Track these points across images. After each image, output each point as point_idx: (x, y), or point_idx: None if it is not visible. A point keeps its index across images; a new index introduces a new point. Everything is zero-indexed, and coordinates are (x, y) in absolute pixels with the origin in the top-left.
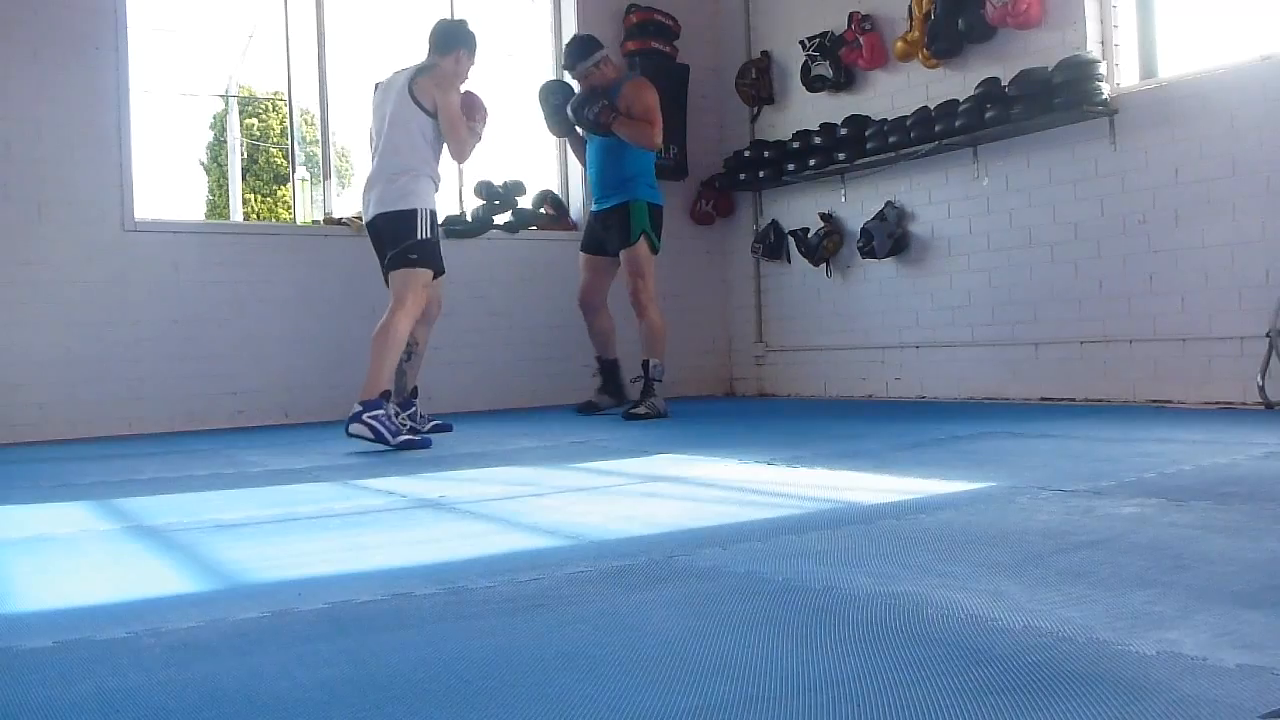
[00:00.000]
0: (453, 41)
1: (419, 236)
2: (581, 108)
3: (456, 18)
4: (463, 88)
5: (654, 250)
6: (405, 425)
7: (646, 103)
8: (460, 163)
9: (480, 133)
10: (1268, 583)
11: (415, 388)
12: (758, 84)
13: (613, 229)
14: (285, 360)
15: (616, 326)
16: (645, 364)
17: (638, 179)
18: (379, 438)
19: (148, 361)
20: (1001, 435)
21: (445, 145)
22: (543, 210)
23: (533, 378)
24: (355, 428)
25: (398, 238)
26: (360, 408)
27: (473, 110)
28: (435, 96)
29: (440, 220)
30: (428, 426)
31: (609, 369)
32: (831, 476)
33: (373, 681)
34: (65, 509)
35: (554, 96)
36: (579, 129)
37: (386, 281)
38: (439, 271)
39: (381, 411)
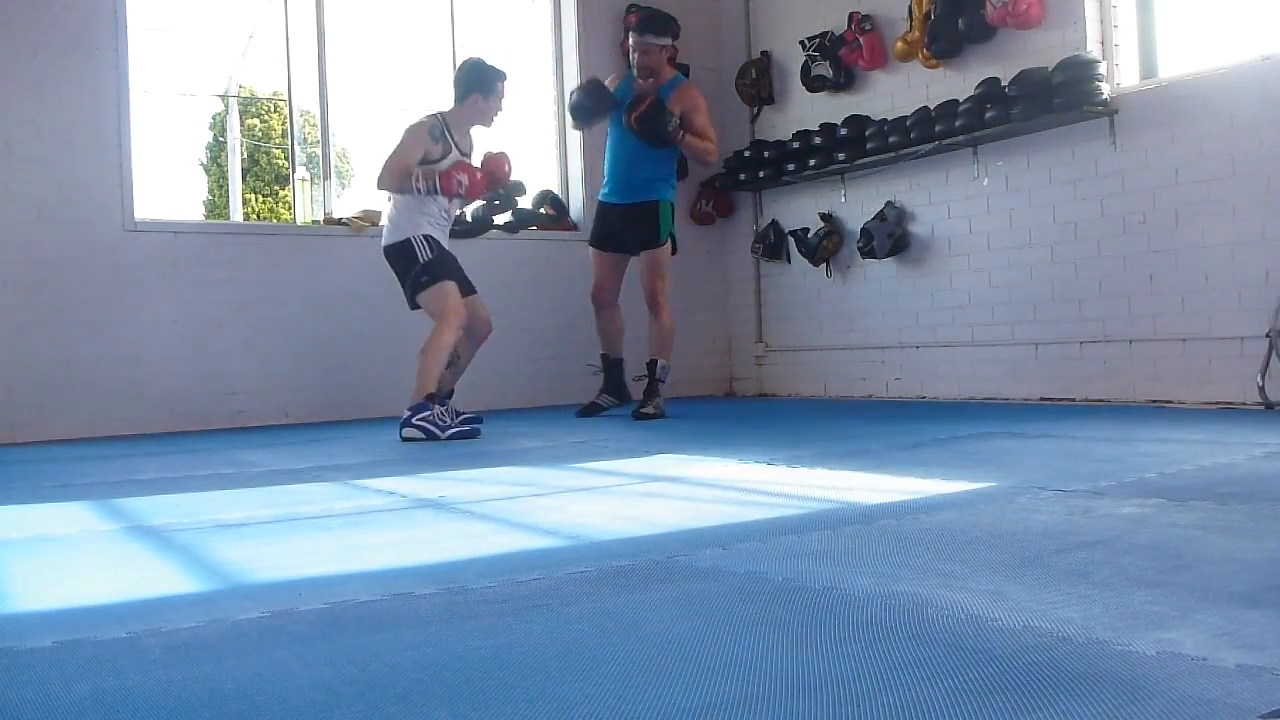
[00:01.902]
0: (466, 87)
1: (421, 259)
2: (654, 120)
3: (475, 57)
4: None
5: (675, 251)
6: (454, 419)
7: (705, 115)
8: (377, 186)
9: (420, 185)
10: (1268, 583)
11: (451, 391)
12: (758, 84)
13: (637, 226)
14: (285, 360)
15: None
16: (652, 364)
17: (668, 179)
18: (430, 435)
19: (148, 361)
20: (1001, 435)
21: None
22: (543, 210)
23: (533, 378)
24: (407, 431)
25: (406, 269)
26: (409, 412)
27: (447, 175)
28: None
29: None
30: (459, 419)
31: (614, 368)
32: (831, 476)
33: (373, 681)
34: (65, 509)
35: (592, 99)
36: (634, 130)
37: (411, 306)
38: (464, 286)
39: (428, 413)
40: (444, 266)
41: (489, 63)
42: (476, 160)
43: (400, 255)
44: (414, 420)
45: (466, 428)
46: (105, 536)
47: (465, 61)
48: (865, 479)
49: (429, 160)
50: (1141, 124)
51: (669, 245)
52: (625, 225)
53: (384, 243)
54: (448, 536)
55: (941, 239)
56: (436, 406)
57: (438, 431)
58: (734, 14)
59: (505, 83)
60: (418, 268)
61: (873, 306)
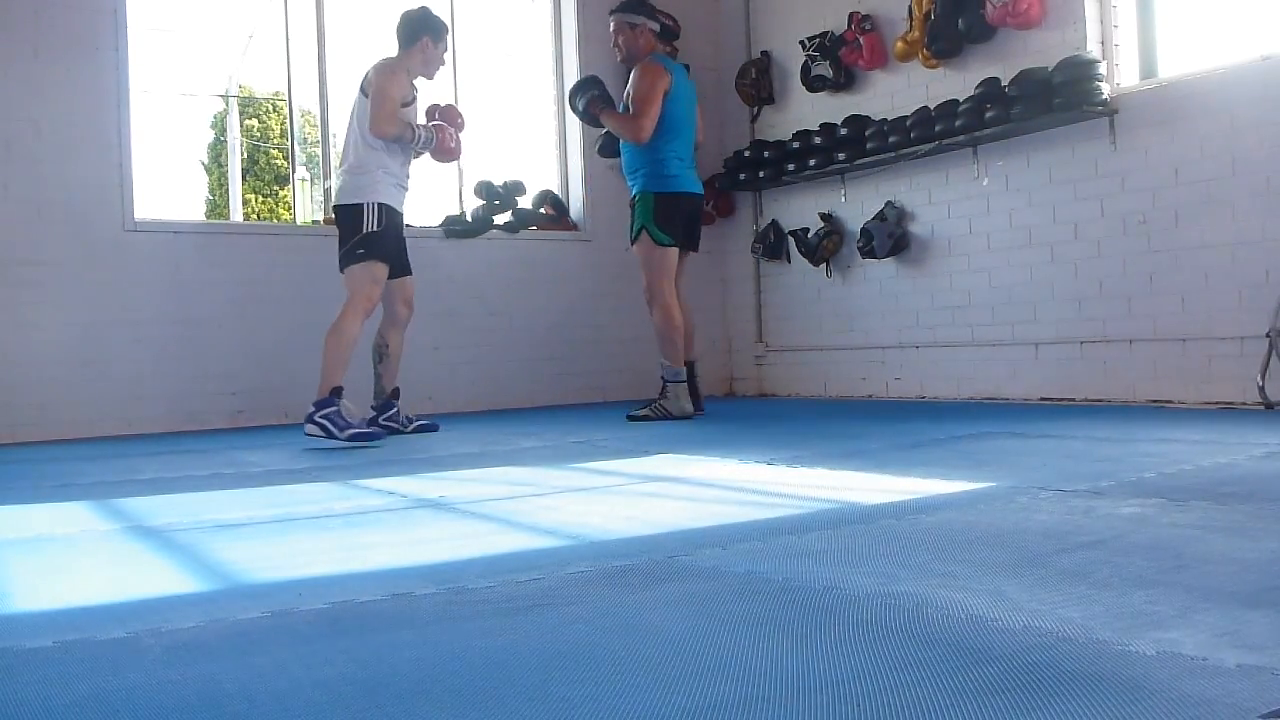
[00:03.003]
0: (415, 30)
1: (365, 230)
2: (574, 96)
3: (419, 6)
4: (443, 101)
5: (663, 243)
6: (356, 419)
7: (640, 89)
8: (373, 134)
9: (419, 132)
10: (1268, 583)
11: (396, 389)
12: (758, 84)
13: (631, 222)
14: (285, 360)
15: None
16: (661, 364)
17: (644, 169)
18: (328, 434)
19: (148, 361)
20: (1001, 435)
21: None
22: (543, 210)
23: (533, 378)
24: (309, 427)
25: (348, 233)
26: (313, 408)
27: (444, 116)
28: (374, 81)
29: (440, 220)
30: (411, 427)
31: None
32: (831, 476)
33: (373, 681)
34: (65, 509)
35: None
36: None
37: (340, 270)
38: (400, 269)
39: (332, 409)
40: (383, 245)
41: (434, 13)
42: (420, 115)
43: (348, 218)
44: (316, 416)
45: (369, 430)
46: (105, 536)
47: (409, 10)
48: (865, 479)
49: (403, 104)
50: (1141, 124)
51: (646, 240)
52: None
53: (337, 201)
54: (448, 536)
55: (941, 239)
56: (342, 401)
57: (336, 431)
58: (734, 14)
59: (448, 38)
60: (358, 237)
61: (873, 306)
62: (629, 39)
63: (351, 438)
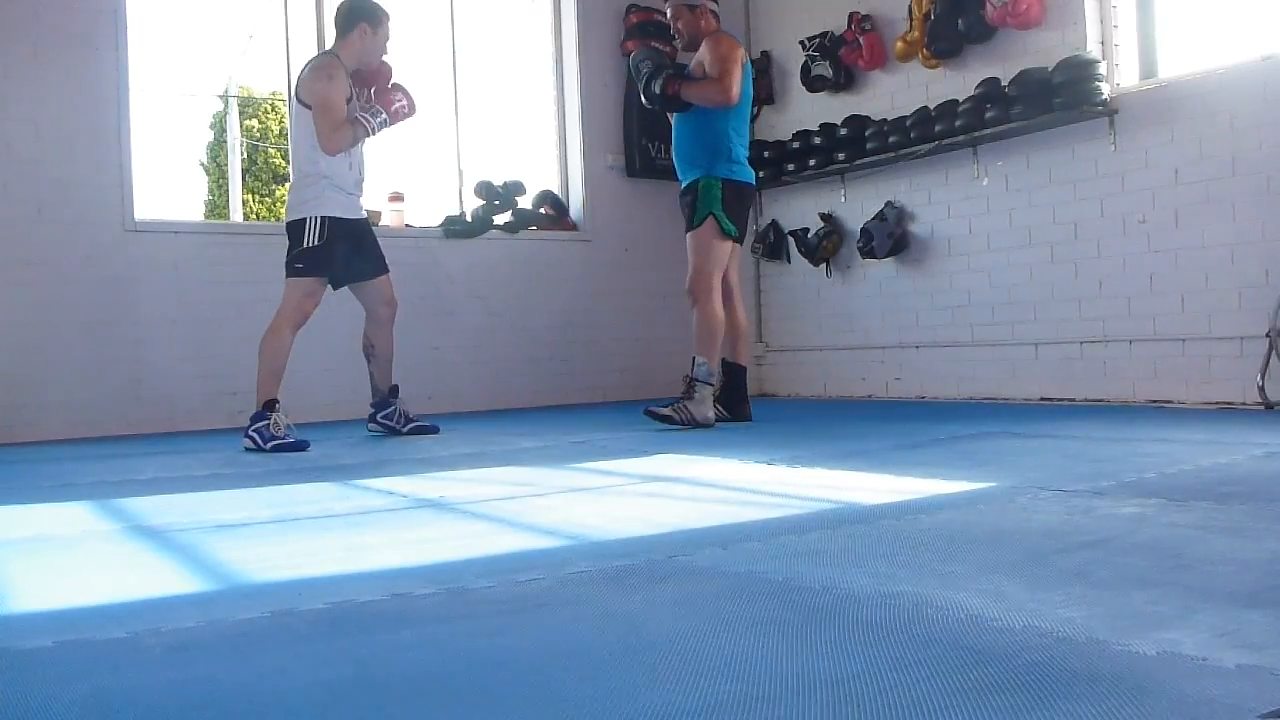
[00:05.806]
0: (352, 18)
1: (305, 244)
2: (649, 85)
3: None
4: (392, 73)
5: (729, 235)
6: (283, 431)
7: (719, 53)
8: (328, 153)
9: (371, 124)
10: (1268, 583)
11: (395, 386)
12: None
13: (684, 210)
14: None
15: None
16: (693, 361)
17: (709, 153)
18: (257, 446)
19: (148, 361)
20: (1001, 435)
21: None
22: (543, 210)
23: (533, 378)
24: (245, 441)
25: (289, 247)
26: (250, 421)
27: (384, 97)
28: (313, 89)
29: (440, 220)
30: (407, 428)
31: (727, 373)
32: (831, 476)
33: (373, 681)
34: (65, 509)
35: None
36: (648, 104)
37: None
38: (366, 271)
39: (263, 423)
40: (323, 260)
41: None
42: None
43: (292, 232)
44: (250, 430)
45: (290, 441)
46: (105, 536)
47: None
48: (865, 479)
49: (346, 101)
50: (1141, 124)
51: (711, 227)
52: (682, 210)
53: (286, 218)
54: (448, 536)
55: (941, 239)
56: (274, 415)
57: (261, 442)
58: (734, 14)
59: (389, 24)
60: (298, 250)
61: (873, 306)
62: (689, 22)
63: (274, 448)
